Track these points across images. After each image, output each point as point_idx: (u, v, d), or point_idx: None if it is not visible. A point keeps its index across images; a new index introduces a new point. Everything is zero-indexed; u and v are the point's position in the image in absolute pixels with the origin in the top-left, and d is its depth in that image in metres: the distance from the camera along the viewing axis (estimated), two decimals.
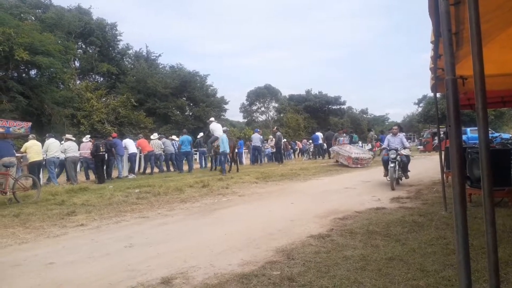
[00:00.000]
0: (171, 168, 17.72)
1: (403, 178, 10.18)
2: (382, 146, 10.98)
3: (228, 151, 14.93)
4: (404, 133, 10.51)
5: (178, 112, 38.71)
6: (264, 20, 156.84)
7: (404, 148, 9.87)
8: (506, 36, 4.36)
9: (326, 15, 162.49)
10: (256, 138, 20.10)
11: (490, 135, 15.98)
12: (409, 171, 10.30)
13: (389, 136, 10.46)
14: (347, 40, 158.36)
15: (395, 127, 10.50)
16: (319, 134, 25.82)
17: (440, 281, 3.21)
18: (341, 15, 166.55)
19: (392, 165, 9.52)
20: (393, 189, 9.20)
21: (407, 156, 9.99)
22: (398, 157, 9.65)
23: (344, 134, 20.49)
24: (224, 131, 15.94)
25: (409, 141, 16.90)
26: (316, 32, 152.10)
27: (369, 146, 25.03)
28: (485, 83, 1.82)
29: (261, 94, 60.26)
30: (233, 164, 16.14)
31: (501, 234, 4.48)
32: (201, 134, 19.98)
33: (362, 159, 17.04)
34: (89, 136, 16.38)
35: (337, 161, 18.54)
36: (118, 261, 4.43)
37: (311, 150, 26.67)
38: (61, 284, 3.79)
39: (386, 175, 10.08)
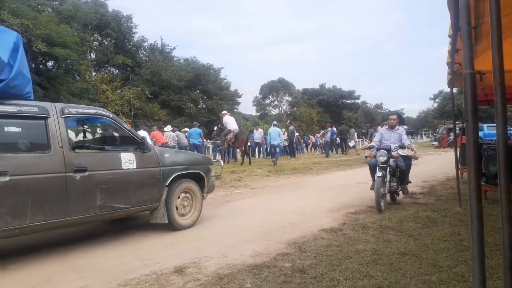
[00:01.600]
0: None
1: (400, 192, 7.03)
2: (369, 144, 7.90)
3: (277, 143, 16.05)
4: (405, 127, 7.58)
5: (191, 104, 38.91)
6: (279, 13, 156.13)
7: (403, 147, 6.87)
8: None
9: (342, 9, 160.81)
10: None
11: (508, 131, 15.73)
12: (409, 182, 7.34)
13: (382, 130, 7.39)
14: (363, 34, 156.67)
15: (393, 117, 7.32)
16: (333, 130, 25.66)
17: (453, 277, 3.19)
18: (357, 9, 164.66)
19: (379, 174, 6.20)
20: (380, 210, 5.97)
21: (407, 159, 7.00)
22: (391, 161, 6.49)
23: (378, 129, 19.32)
24: (274, 125, 17.84)
25: (411, 137, 15.28)
26: (331, 26, 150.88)
27: (352, 143, 24.79)
28: (505, 78, 1.79)
29: (275, 88, 60.13)
30: (245, 157, 16.19)
31: None
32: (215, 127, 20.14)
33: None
34: None
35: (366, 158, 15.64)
36: (131, 250, 4.51)
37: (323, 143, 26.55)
38: (76, 270, 3.87)
39: (373, 187, 6.47)
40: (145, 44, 42.84)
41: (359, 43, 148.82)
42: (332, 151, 24.25)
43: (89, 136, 6.84)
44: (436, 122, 52.88)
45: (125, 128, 5.26)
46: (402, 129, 7.28)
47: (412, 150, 7.36)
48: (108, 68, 38.39)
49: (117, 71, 39.35)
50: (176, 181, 5.37)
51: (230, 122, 15.53)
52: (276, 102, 61.70)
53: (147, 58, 41.45)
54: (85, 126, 6.02)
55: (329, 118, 53.32)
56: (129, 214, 5.18)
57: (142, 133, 16.36)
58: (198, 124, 18.75)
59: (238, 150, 17.36)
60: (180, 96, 36.95)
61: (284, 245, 4.43)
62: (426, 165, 13.85)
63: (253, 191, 9.31)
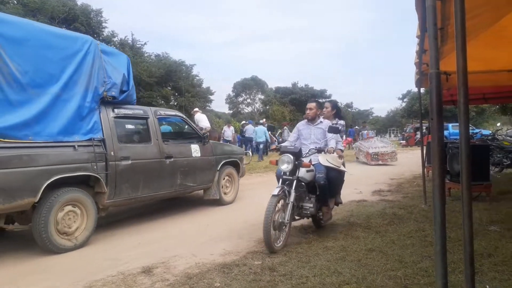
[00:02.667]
0: None
1: (323, 219, 4.87)
2: (276, 145, 5.99)
3: (262, 140, 17.07)
4: (342, 122, 5.49)
5: (162, 101, 38.26)
6: (252, 11, 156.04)
7: (322, 151, 4.66)
8: (491, 34, 4.42)
9: (314, 8, 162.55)
10: (250, 130, 20.16)
11: (470, 131, 16.30)
12: (340, 203, 5.19)
13: (300, 124, 5.26)
14: (334, 34, 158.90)
15: (327, 105, 5.68)
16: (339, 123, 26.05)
17: (418, 272, 3.28)
18: (330, 8, 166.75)
19: (276, 191, 4.23)
20: (270, 249, 4.01)
21: (336, 172, 4.74)
22: (302, 172, 4.45)
23: (367, 127, 18.25)
24: (260, 123, 19.10)
25: (385, 136, 15.43)
26: (304, 25, 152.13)
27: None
28: (468, 79, 1.84)
29: (248, 86, 60.07)
30: None
31: (478, 227, 4.60)
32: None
33: (383, 154, 14.25)
34: None
35: (357, 158, 15.76)
36: (98, 251, 4.40)
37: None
38: (40, 272, 3.73)
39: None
40: (115, 39, 41.70)
41: (331, 42, 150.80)
42: None
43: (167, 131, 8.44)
44: (404, 121, 54.28)
45: (192, 125, 7.06)
46: (327, 123, 4.94)
47: (340, 157, 4.86)
48: None
49: None
50: (223, 166, 7.01)
51: (202, 119, 15.36)
52: (249, 100, 61.66)
53: None
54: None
55: (301, 116, 53.83)
56: (194, 191, 6.80)
57: None
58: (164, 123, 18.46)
59: None
60: (150, 93, 36.25)
61: (254, 243, 4.43)
62: (395, 164, 14.20)
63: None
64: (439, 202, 1.86)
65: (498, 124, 22.09)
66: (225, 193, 7.12)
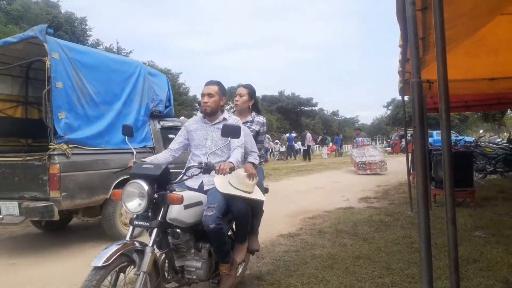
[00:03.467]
0: None
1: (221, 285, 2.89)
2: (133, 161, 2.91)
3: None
4: (262, 119, 3.92)
5: None
6: (238, 19, 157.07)
7: (219, 170, 2.61)
8: (471, 43, 4.53)
9: (299, 17, 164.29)
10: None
11: (454, 138, 16.55)
12: (256, 250, 3.54)
13: (193, 122, 3.39)
14: (320, 43, 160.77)
15: (241, 91, 4.02)
16: (294, 135, 26.18)
17: (405, 279, 3.30)
18: (314, 18, 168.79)
19: (104, 257, 2.14)
20: None
21: (244, 204, 2.90)
22: (174, 214, 2.51)
23: (363, 134, 16.44)
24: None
25: (367, 139, 14.20)
26: (289, 33, 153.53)
27: (283, 148, 25.58)
28: (449, 87, 1.88)
29: (234, 94, 60.13)
30: None
31: (463, 233, 4.66)
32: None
33: (371, 164, 13.48)
34: None
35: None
36: (84, 260, 4.30)
37: (280, 150, 26.90)
38: (25, 284, 3.65)
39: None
40: (100, 47, 41.46)
41: (316, 51, 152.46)
42: (290, 157, 24.63)
43: None
44: (389, 128, 54.97)
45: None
46: (234, 118, 3.34)
47: (251, 176, 2.97)
48: None
49: None
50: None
51: None
52: (235, 108, 61.84)
53: None
54: None
55: (287, 124, 54.08)
56: None
57: None
58: None
59: None
60: None
61: None
62: (384, 172, 14.32)
63: None
64: (423, 208, 1.89)
65: (481, 131, 22.53)
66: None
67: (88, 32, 38.74)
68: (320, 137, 29.58)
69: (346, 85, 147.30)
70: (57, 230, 5.88)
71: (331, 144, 30.20)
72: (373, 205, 7.17)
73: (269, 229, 5.52)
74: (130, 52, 43.81)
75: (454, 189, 1.90)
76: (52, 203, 4.42)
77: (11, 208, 4.64)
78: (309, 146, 24.04)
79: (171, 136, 6.26)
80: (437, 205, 6.62)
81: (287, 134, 26.95)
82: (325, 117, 66.05)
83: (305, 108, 61.72)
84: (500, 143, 12.64)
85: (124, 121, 5.14)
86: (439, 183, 6.63)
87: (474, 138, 16.16)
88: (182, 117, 16.87)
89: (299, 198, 8.50)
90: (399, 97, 9.32)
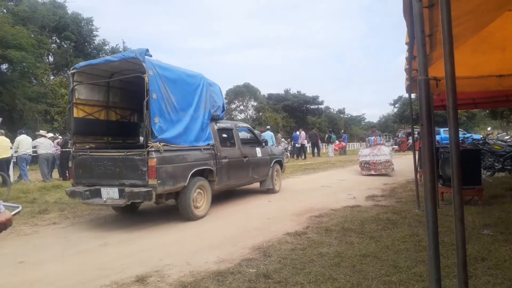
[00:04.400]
0: None
1: None
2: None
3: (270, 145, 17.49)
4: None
5: None
6: (244, 17, 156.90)
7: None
8: (478, 40, 4.50)
9: (306, 15, 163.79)
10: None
11: (461, 135, 16.42)
12: None
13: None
14: (326, 41, 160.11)
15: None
16: (302, 134, 26.05)
17: (412, 277, 3.29)
18: (322, 16, 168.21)
19: None
20: None
21: None
22: None
23: (378, 132, 15.05)
24: (267, 129, 20.76)
25: (382, 138, 13.34)
26: (296, 32, 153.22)
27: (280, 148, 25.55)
28: (456, 84, 1.87)
29: (240, 93, 60.15)
30: None
31: (471, 231, 4.63)
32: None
33: (375, 163, 12.52)
34: (49, 133, 15.87)
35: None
36: (91, 260, 4.35)
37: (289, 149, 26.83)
38: (31, 283, 3.70)
39: None
40: (107, 47, 41.64)
41: (322, 49, 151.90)
42: (298, 157, 24.59)
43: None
44: (396, 126, 54.67)
45: (256, 134, 9.72)
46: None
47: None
48: (67, 71, 36.97)
49: None
50: (274, 164, 9.41)
51: None
52: (241, 107, 61.70)
53: None
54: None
55: (293, 123, 54.01)
56: (256, 182, 9.08)
57: None
58: None
59: None
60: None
61: (248, 250, 4.41)
62: (391, 173, 14.24)
63: (217, 195, 9.23)
64: (431, 207, 1.88)
65: (489, 129, 22.31)
66: (274, 184, 9.43)
67: (94, 32, 38.96)
68: (327, 135, 29.48)
69: (352, 83, 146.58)
70: (129, 212, 7.16)
71: (337, 142, 30.10)
72: (380, 203, 7.14)
73: (275, 227, 5.54)
74: None
75: (462, 187, 1.90)
76: (151, 189, 5.62)
77: (111, 193, 5.92)
78: (302, 145, 24.09)
79: (224, 135, 7.94)
80: (445, 203, 6.58)
81: (296, 132, 26.76)
82: (331, 115, 65.80)
83: (311, 106, 61.54)
84: (509, 140, 12.53)
85: (195, 124, 6.74)
86: (446, 181, 6.59)
87: (482, 136, 16.04)
88: None
89: (305, 197, 8.49)
90: (406, 95, 9.27)
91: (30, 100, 25.03)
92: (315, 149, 26.24)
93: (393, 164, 12.53)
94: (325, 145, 30.46)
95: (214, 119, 7.47)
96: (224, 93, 63.75)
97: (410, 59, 4.80)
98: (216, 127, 7.40)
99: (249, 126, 9.60)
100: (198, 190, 6.59)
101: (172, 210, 7.22)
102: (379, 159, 12.54)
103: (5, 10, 28.86)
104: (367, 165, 12.56)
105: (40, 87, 27.31)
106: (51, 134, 14.96)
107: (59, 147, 13.43)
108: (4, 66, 25.15)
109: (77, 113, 6.78)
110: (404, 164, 14.89)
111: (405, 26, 3.48)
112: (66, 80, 31.97)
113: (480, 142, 12.19)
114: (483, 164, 9.90)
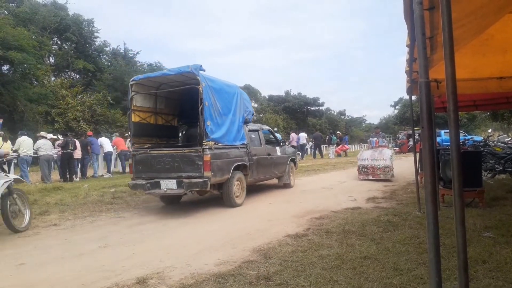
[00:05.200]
0: None
1: None
2: None
3: None
4: None
5: None
6: (244, 19, 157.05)
7: None
8: (478, 42, 4.50)
9: (306, 16, 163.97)
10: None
11: (462, 137, 16.39)
12: None
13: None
14: (327, 42, 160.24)
15: None
16: (302, 135, 26.07)
17: (413, 279, 3.28)
18: (322, 17, 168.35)
19: None
20: None
21: None
22: None
23: (382, 134, 13.83)
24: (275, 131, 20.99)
25: (385, 140, 12.48)
26: (296, 33, 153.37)
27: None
28: (457, 86, 1.87)
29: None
30: None
31: (472, 233, 4.62)
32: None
33: (374, 168, 11.66)
34: (50, 133, 15.86)
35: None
36: (92, 261, 4.35)
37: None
38: (32, 285, 3.69)
39: None
40: (107, 48, 41.72)
41: (323, 51, 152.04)
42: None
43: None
44: (396, 128, 54.69)
45: (275, 135, 11.11)
46: None
47: None
48: (68, 73, 37.02)
49: (77, 76, 38.02)
50: (290, 162, 10.70)
51: None
52: None
53: (109, 63, 40.32)
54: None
55: (294, 124, 53.99)
56: (277, 177, 10.33)
57: (104, 140, 15.92)
58: None
59: None
60: None
61: (249, 253, 4.41)
62: (391, 179, 14.21)
63: (218, 197, 9.24)
64: (432, 209, 1.88)
65: (490, 130, 22.30)
66: (290, 180, 10.73)
67: (95, 34, 39.05)
68: (327, 137, 29.44)
69: (353, 85, 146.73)
70: (174, 203, 8.39)
71: (337, 142, 30.08)
72: (380, 205, 7.13)
73: (276, 229, 5.54)
74: (138, 53, 44.09)
75: (463, 189, 1.89)
76: (206, 179, 6.85)
77: (170, 184, 7.07)
78: (294, 146, 24.14)
79: (252, 136, 9.19)
80: (446, 205, 6.57)
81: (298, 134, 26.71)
82: (332, 117, 65.80)
83: (312, 108, 61.55)
84: (509, 142, 12.52)
85: (233, 126, 8.07)
86: (447, 183, 6.58)
87: (482, 138, 16.01)
88: None
89: (306, 198, 8.49)
90: (407, 97, 9.20)
91: (31, 101, 25.06)
92: (317, 150, 26.26)
93: (392, 170, 11.56)
94: (325, 146, 30.43)
95: (246, 122, 8.83)
96: None
97: (411, 61, 4.81)
98: (247, 129, 8.77)
99: (270, 128, 10.89)
100: (237, 182, 7.87)
101: (172, 211, 7.23)
102: (378, 164, 11.71)
103: (6, 12, 28.94)
104: (365, 170, 11.82)
105: (41, 89, 27.32)
106: (51, 135, 14.96)
107: (59, 148, 13.45)
108: (5, 67, 25.19)
109: (134, 118, 8.07)
110: (405, 166, 14.89)
111: (406, 28, 3.49)
112: (67, 82, 32.10)
113: (481, 144, 12.17)
114: (484, 166, 9.89)
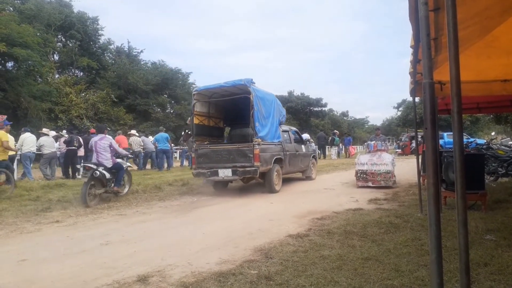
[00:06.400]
0: (148, 166, 17.60)
1: None
2: None
3: None
4: None
5: (159, 109, 38.21)
6: (248, 19, 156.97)
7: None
8: (483, 44, 4.48)
9: (309, 18, 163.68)
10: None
11: (465, 140, 16.34)
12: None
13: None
14: (329, 44, 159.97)
15: None
16: (305, 136, 26.11)
17: (414, 281, 3.28)
18: (326, 18, 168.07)
19: None
20: None
21: None
22: None
23: (382, 136, 12.24)
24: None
25: (385, 143, 11.67)
26: (300, 34, 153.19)
27: None
28: (461, 88, 1.87)
29: None
30: None
31: (474, 236, 4.60)
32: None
33: (373, 174, 10.36)
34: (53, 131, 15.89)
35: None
36: (93, 259, 4.36)
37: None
38: (33, 281, 3.70)
39: None
40: (112, 46, 41.77)
41: (326, 52, 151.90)
42: None
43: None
44: (399, 130, 54.49)
45: (300, 135, 12.83)
46: None
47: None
48: (72, 70, 37.12)
49: (81, 73, 38.10)
50: (312, 158, 12.93)
51: None
52: None
53: (113, 61, 40.38)
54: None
55: (297, 125, 53.92)
56: (302, 171, 12.39)
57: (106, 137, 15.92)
58: (164, 129, 18.45)
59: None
60: (147, 100, 36.17)
61: (250, 252, 4.41)
62: (393, 186, 14.16)
63: (220, 197, 9.24)
64: (434, 211, 1.88)
65: (493, 133, 22.19)
66: (312, 173, 12.91)
67: (99, 32, 39.13)
68: (330, 138, 29.40)
69: (356, 86, 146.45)
70: (224, 189, 10.42)
71: (340, 144, 30.04)
72: (382, 207, 7.12)
73: (277, 229, 5.54)
74: (141, 51, 44.20)
75: (465, 191, 1.89)
76: (256, 168, 8.84)
77: (226, 172, 9.02)
78: None
79: (285, 136, 10.98)
80: (448, 207, 6.55)
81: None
82: (335, 118, 65.65)
83: (315, 109, 61.44)
84: None
85: (272, 127, 10.02)
86: (449, 185, 6.56)
87: (485, 140, 15.94)
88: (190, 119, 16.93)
89: (307, 199, 8.49)
90: (410, 98, 9.09)
91: (35, 98, 25.13)
92: (321, 151, 26.25)
93: (395, 176, 10.53)
94: (328, 147, 30.41)
95: (280, 123, 10.81)
96: None
97: (415, 62, 4.79)
98: (281, 129, 10.75)
99: (297, 129, 13.02)
100: (276, 172, 9.74)
101: (174, 211, 7.24)
102: (378, 169, 10.42)
103: (11, 8, 29.01)
104: (364, 176, 10.51)
105: (45, 86, 27.40)
106: (54, 133, 15.00)
107: (64, 145, 13.47)
108: (10, 64, 25.24)
109: (195, 121, 10.18)
110: (407, 168, 14.86)
111: (409, 29, 3.48)
112: (71, 79, 32.21)
113: (484, 147, 12.14)
114: (486, 169, 9.86)
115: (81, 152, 13.81)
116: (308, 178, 12.64)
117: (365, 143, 14.92)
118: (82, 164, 12.60)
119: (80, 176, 13.63)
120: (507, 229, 4.90)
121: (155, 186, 10.28)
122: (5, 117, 10.30)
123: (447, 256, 3.77)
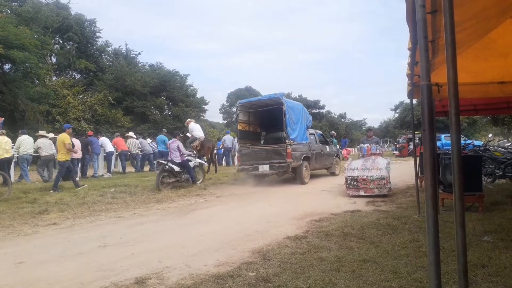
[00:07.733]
0: (145, 168, 17.56)
1: None
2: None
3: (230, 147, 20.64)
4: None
5: (156, 111, 38.18)
6: (246, 21, 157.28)
7: None
8: (480, 46, 4.51)
9: (308, 19, 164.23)
10: (228, 139, 20.42)
11: (462, 142, 16.38)
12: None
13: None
14: (329, 45, 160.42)
15: None
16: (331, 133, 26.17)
17: (412, 283, 3.28)
18: (323, 19, 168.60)
19: None
20: None
21: None
22: None
23: (375, 138, 10.80)
24: (227, 133, 22.99)
25: (379, 146, 10.56)
26: (298, 36, 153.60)
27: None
28: (458, 90, 1.87)
29: (242, 96, 60.19)
30: (211, 165, 16.07)
31: (471, 237, 4.61)
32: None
33: (365, 180, 8.98)
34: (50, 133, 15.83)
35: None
36: (91, 261, 4.35)
37: None
38: (31, 283, 3.69)
39: None
40: (109, 48, 41.75)
41: (324, 53, 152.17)
42: None
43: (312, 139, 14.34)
44: (397, 132, 54.57)
45: (324, 136, 15.11)
46: None
47: None
48: (70, 72, 37.06)
49: (79, 76, 38.06)
50: (335, 156, 15.23)
51: (196, 129, 15.36)
52: None
53: (110, 63, 40.33)
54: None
55: None
56: (327, 167, 14.76)
57: (105, 140, 15.92)
58: (166, 131, 18.44)
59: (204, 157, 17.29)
60: (144, 103, 36.12)
61: (248, 254, 4.40)
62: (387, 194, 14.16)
63: (219, 199, 9.23)
64: (432, 212, 1.88)
65: (490, 135, 22.27)
66: (336, 170, 15.00)
67: (97, 34, 39.11)
68: (329, 140, 29.42)
69: (354, 88, 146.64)
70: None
71: (338, 146, 30.05)
72: (380, 209, 7.12)
73: (275, 231, 5.53)
74: (139, 53, 44.16)
75: (464, 193, 1.89)
76: (289, 164, 11.11)
77: (264, 167, 11.45)
78: None
79: (311, 138, 13.28)
80: (445, 209, 6.56)
81: None
82: (333, 120, 65.73)
83: (312, 111, 61.47)
84: (510, 147, 12.49)
85: (301, 131, 12.36)
86: (447, 187, 6.57)
87: (483, 142, 15.99)
88: (189, 119, 16.95)
89: (305, 201, 8.48)
90: (407, 100, 9.10)
91: (32, 100, 25.09)
92: None
93: (390, 183, 9.11)
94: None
95: (307, 127, 13.10)
96: (225, 96, 63.87)
97: (412, 64, 4.80)
98: (308, 132, 13.06)
99: (321, 132, 15.39)
100: (305, 168, 12.01)
101: (172, 212, 7.23)
102: (371, 175, 9.09)
103: (8, 11, 28.97)
104: (355, 183, 9.11)
105: (43, 88, 27.37)
106: (52, 135, 14.95)
107: None
108: (7, 66, 25.22)
109: (239, 127, 13.02)
110: (405, 170, 14.88)
111: (407, 31, 3.49)
112: (68, 81, 32.16)
113: (481, 148, 12.16)
114: (484, 171, 9.88)
115: (77, 154, 13.74)
116: (333, 174, 14.89)
117: (358, 146, 14.54)
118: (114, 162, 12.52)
119: (77, 179, 13.57)
120: (505, 231, 4.91)
121: (153, 188, 10.26)
122: (2, 119, 10.27)
123: (445, 257, 3.77)
